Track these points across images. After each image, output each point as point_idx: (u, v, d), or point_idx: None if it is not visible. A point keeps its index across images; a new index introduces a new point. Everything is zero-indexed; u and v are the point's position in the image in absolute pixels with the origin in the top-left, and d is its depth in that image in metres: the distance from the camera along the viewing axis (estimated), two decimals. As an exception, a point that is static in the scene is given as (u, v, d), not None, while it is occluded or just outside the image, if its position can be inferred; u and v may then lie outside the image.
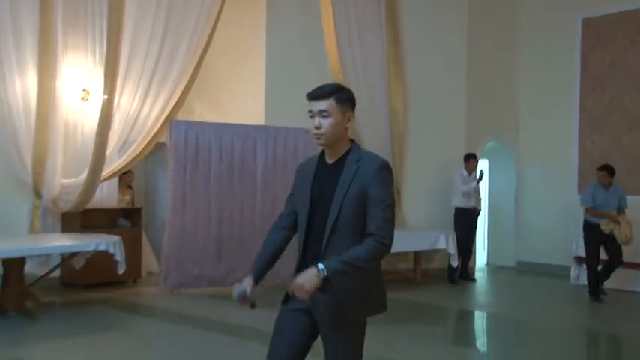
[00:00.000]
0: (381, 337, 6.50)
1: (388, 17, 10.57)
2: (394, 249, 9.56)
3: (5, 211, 8.39)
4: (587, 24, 11.87)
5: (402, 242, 9.75)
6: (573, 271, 10.53)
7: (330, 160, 2.92)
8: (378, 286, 2.96)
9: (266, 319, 7.01)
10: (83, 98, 8.75)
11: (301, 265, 2.86)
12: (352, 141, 2.94)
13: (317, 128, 2.80)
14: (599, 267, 9.10)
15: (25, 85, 8.14)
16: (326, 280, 2.63)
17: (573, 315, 8.69)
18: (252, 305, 3.01)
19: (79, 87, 8.72)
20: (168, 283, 8.74)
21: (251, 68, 10.22)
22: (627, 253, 9.24)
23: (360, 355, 2.93)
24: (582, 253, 10.36)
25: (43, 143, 8.20)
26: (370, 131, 10.43)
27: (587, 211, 8.98)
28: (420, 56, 10.78)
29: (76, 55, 8.66)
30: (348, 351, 2.89)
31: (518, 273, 11.66)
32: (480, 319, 8.59)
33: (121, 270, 7.71)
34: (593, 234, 8.88)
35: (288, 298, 2.94)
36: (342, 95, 2.83)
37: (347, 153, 2.88)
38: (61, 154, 8.50)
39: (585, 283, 10.16)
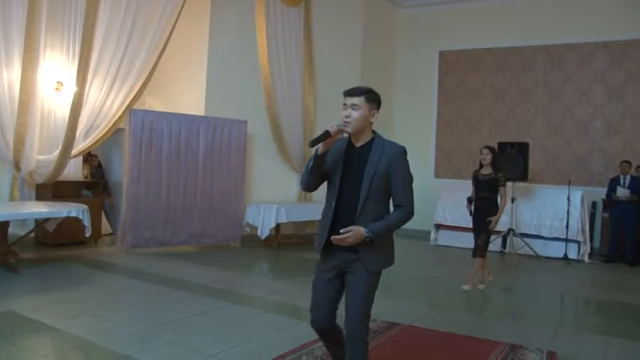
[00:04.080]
0: (292, 287, 6.53)
1: (305, 37, 10.35)
2: (304, 218, 9.38)
3: (-12, 182, 7.58)
4: (443, 55, 12.25)
5: (310, 213, 9.61)
6: (432, 235, 10.81)
7: (357, 144, 2.92)
8: (393, 246, 3.03)
9: (212, 277, 6.79)
10: (57, 89, 7.93)
11: (335, 224, 2.87)
12: (374, 132, 2.95)
13: (347, 117, 2.84)
14: None
15: (11, 76, 7.28)
16: (370, 240, 2.77)
17: (430, 266, 9.06)
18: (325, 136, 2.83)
19: (54, 79, 7.90)
20: (125, 244, 8.18)
21: (194, 68, 9.58)
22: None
23: (372, 300, 2.94)
24: (440, 220, 10.67)
25: (23, 125, 7.35)
26: (289, 121, 10.22)
27: None
28: (326, 68, 10.60)
29: (53, 52, 7.82)
30: (369, 294, 2.90)
31: (391, 236, 11.72)
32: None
33: (87, 233, 7.15)
34: None
35: (325, 248, 2.95)
36: (370, 96, 2.89)
37: (371, 140, 2.90)
38: (38, 134, 7.68)
39: (441, 243, 10.51)
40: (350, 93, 2.87)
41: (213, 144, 8.99)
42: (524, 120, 11.30)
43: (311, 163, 2.88)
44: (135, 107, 8.41)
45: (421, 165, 12.09)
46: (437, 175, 12.01)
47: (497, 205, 6.62)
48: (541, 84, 11.18)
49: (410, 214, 2.88)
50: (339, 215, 2.88)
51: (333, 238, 2.80)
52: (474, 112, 11.88)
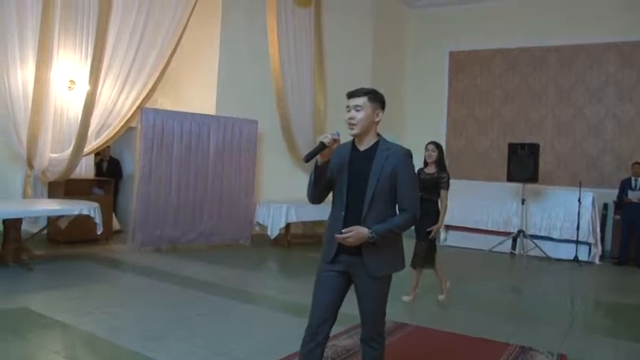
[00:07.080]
0: (302, 287, 6.16)
1: (315, 38, 10.37)
2: (314, 218, 9.31)
3: (2, 179, 7.71)
4: (453, 56, 12.19)
5: (320, 213, 9.51)
6: (442, 235, 10.77)
7: (361, 148, 2.82)
8: (401, 250, 2.91)
9: (222, 275, 6.79)
10: (69, 88, 7.99)
11: (345, 226, 2.74)
12: (379, 135, 2.84)
13: (351, 119, 2.77)
14: None
15: (25, 75, 7.36)
16: (372, 241, 2.65)
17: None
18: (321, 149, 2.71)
19: (67, 78, 7.95)
20: (136, 242, 8.21)
21: (205, 67, 9.64)
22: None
23: (385, 303, 2.88)
24: (449, 221, 10.61)
25: (36, 123, 7.42)
26: (299, 122, 10.24)
27: None
28: (337, 68, 10.58)
29: (66, 51, 7.86)
30: (380, 299, 2.83)
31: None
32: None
33: (99, 231, 7.20)
34: None
35: (332, 259, 2.82)
36: (374, 96, 2.80)
37: (376, 143, 2.80)
38: (51, 132, 7.74)
39: (451, 244, 10.51)
40: (353, 94, 2.79)
41: (223, 143, 9.03)
42: (535, 121, 11.24)
43: (313, 176, 2.78)
44: (146, 106, 8.44)
45: (430, 165, 12.08)
46: (446, 176, 11.94)
47: (438, 210, 5.82)
48: (551, 85, 11.11)
49: (415, 217, 2.77)
50: (347, 223, 2.74)
51: (335, 236, 2.71)
52: (483, 113, 11.84)
